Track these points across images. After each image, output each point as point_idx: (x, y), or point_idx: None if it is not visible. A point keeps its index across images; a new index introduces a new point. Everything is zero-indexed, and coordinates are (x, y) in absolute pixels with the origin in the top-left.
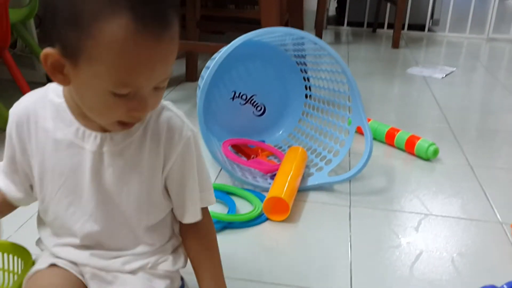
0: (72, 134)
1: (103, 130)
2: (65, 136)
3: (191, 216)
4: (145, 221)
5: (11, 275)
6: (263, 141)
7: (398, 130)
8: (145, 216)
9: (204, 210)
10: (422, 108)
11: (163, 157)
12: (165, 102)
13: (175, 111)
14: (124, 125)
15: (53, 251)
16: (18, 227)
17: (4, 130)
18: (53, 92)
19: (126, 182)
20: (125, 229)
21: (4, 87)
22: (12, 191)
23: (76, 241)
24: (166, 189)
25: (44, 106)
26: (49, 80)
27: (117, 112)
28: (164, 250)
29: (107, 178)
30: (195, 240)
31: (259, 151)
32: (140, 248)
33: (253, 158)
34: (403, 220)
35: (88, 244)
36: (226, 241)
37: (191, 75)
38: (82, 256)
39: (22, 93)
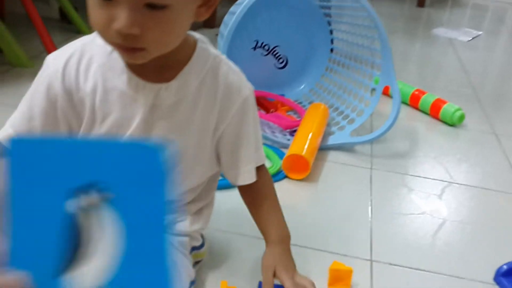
0: (124, 84)
1: (158, 80)
2: (115, 86)
3: (245, 178)
4: (186, 183)
5: None
6: (283, 95)
7: (423, 93)
8: (188, 178)
9: (260, 168)
10: (446, 71)
11: (217, 115)
12: (222, 56)
13: (232, 66)
14: (123, 49)
15: None
16: None
17: (14, 65)
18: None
19: (176, 137)
20: None
21: (17, 22)
22: None
23: None
24: (216, 151)
25: (93, 53)
26: (62, 17)
27: (104, 22)
28: (185, 211)
29: (157, 133)
30: (254, 199)
31: (279, 105)
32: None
33: (272, 112)
34: (426, 187)
35: None
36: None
37: (210, 21)
38: None
39: (35, 28)
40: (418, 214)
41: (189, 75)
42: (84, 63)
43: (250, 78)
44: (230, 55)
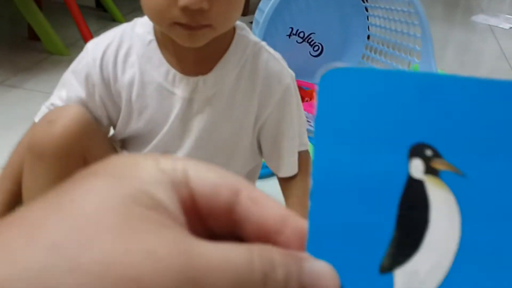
0: (162, 77)
1: (196, 73)
2: (153, 79)
3: (288, 169)
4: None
5: None
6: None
7: None
8: (227, 169)
9: (302, 155)
10: (487, 60)
11: (258, 105)
12: (262, 42)
13: (273, 53)
14: (185, 27)
15: None
16: None
17: (52, 53)
18: (141, 27)
19: (214, 130)
20: None
21: (54, 9)
22: None
23: None
24: (258, 141)
25: (132, 43)
26: (98, 4)
27: (167, 1)
28: None
29: (195, 126)
30: (285, 183)
31: (314, 94)
32: None
33: (306, 101)
34: None
35: None
36: (275, 188)
37: (244, 8)
38: None
39: (72, 16)
40: None
41: (226, 65)
42: (122, 54)
43: None
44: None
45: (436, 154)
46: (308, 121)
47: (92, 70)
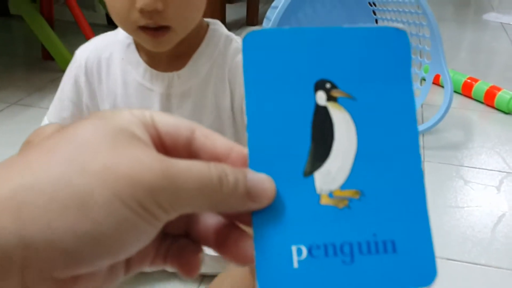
0: (140, 76)
1: (171, 69)
2: (133, 78)
3: None
4: None
5: None
6: None
7: (476, 80)
8: None
9: None
10: (500, 58)
11: (230, 92)
12: (234, 36)
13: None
14: (148, 33)
15: None
16: None
17: (64, 71)
18: (123, 33)
19: (196, 121)
20: None
21: (66, 29)
22: None
23: None
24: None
25: (114, 48)
26: (109, 22)
27: (126, 6)
28: None
29: None
30: None
31: None
32: None
33: None
34: (483, 178)
35: None
36: None
37: (252, 18)
38: None
39: (84, 34)
40: (476, 206)
41: (199, 59)
42: (106, 57)
43: None
44: None
45: (334, 86)
46: None
47: (80, 75)
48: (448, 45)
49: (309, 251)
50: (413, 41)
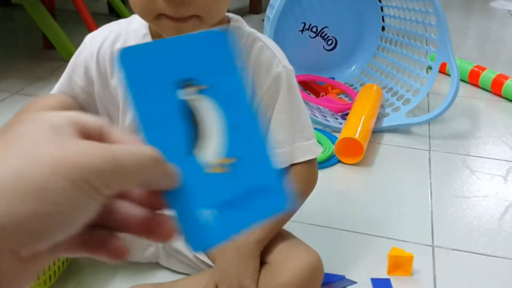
0: None
1: None
2: None
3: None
4: None
5: None
6: (333, 78)
7: (483, 69)
8: None
9: (304, 167)
10: (507, 46)
11: (252, 85)
12: (257, 33)
13: (268, 43)
14: (172, 20)
15: None
16: None
17: (67, 61)
18: (138, 22)
19: None
20: None
21: (67, 18)
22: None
23: None
24: None
25: (128, 38)
26: (110, 11)
27: None
28: None
29: None
30: None
31: (329, 88)
32: None
33: (322, 96)
34: (489, 168)
35: None
36: None
37: (255, 6)
38: None
39: (85, 24)
40: (482, 196)
41: None
42: (118, 48)
43: (298, 62)
44: (277, 39)
45: (192, 82)
46: (324, 115)
47: (90, 65)
48: (454, 33)
49: (215, 209)
50: (419, 29)
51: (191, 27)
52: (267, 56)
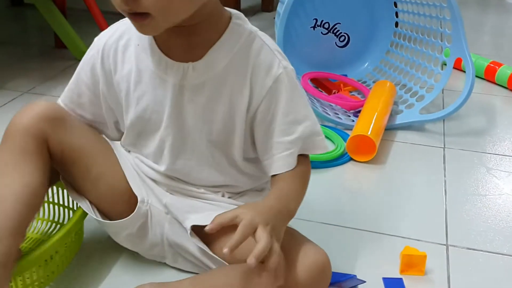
0: (155, 64)
1: (186, 60)
2: (147, 66)
3: (278, 166)
4: (227, 162)
5: (66, 210)
6: (346, 75)
7: (499, 65)
8: (227, 157)
9: (302, 159)
10: None
11: (249, 95)
12: (258, 32)
13: (268, 43)
14: (132, 18)
15: (135, 162)
16: None
17: (79, 60)
18: None
19: (207, 119)
20: (207, 168)
21: (79, 17)
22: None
23: (155, 167)
24: (251, 135)
25: (131, 33)
26: None
27: None
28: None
29: (188, 114)
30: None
31: (341, 85)
32: (221, 189)
33: (334, 93)
34: (506, 166)
35: (166, 174)
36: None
37: (267, 4)
38: (160, 178)
39: (96, 23)
40: (498, 194)
41: (218, 53)
42: (122, 44)
43: (310, 59)
44: (288, 35)
45: None
46: (336, 113)
47: (96, 62)
48: (470, 29)
49: None
50: (433, 24)
51: (148, 25)
52: (267, 56)
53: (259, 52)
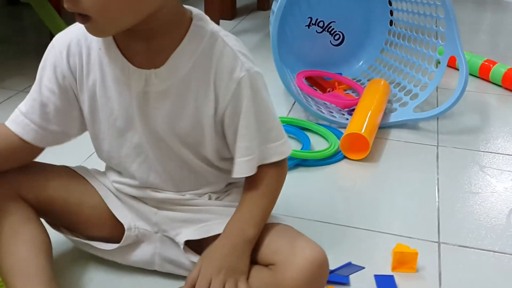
0: (119, 69)
1: (149, 66)
2: (112, 71)
3: (237, 169)
4: (205, 163)
5: None
6: (340, 74)
7: (494, 63)
8: (203, 159)
9: (269, 169)
10: None
11: (215, 98)
12: (221, 33)
13: (230, 43)
14: (77, 19)
15: (115, 187)
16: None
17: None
18: None
19: (174, 125)
20: (186, 171)
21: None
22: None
23: (136, 182)
24: (222, 139)
25: (92, 37)
26: None
27: None
28: (231, 189)
29: (155, 120)
30: (248, 187)
31: (336, 84)
32: (207, 189)
33: (329, 91)
34: (499, 164)
35: (149, 186)
36: (299, 180)
37: (263, 3)
38: (143, 194)
39: None
40: (491, 192)
41: (180, 58)
42: (86, 46)
43: (305, 57)
44: (283, 34)
45: None
46: (330, 111)
47: (60, 62)
48: (467, 27)
49: None
50: (428, 23)
51: (94, 29)
52: (229, 58)
53: (221, 54)
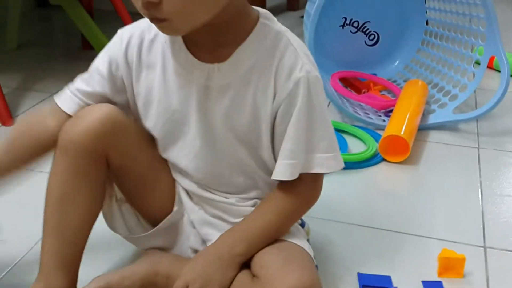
0: (181, 62)
1: (212, 60)
2: (173, 64)
3: (281, 173)
4: (258, 166)
5: None
6: (375, 74)
7: None
8: (258, 160)
9: (310, 178)
10: None
11: (273, 94)
12: (287, 33)
13: (295, 44)
14: (152, 20)
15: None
16: None
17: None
18: None
19: (232, 121)
20: (236, 171)
21: (105, 18)
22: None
23: (190, 184)
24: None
25: (157, 30)
26: None
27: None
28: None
29: (213, 116)
30: (268, 197)
31: (371, 85)
32: (254, 193)
33: (364, 92)
34: None
35: (198, 182)
36: (336, 183)
37: (293, 3)
38: (195, 189)
39: (124, 24)
40: None
41: (244, 54)
42: (149, 38)
43: (339, 58)
44: (317, 35)
45: None
46: (366, 113)
47: (118, 52)
48: (502, 27)
49: None
50: (465, 22)
51: (169, 29)
52: (291, 57)
53: (284, 52)
